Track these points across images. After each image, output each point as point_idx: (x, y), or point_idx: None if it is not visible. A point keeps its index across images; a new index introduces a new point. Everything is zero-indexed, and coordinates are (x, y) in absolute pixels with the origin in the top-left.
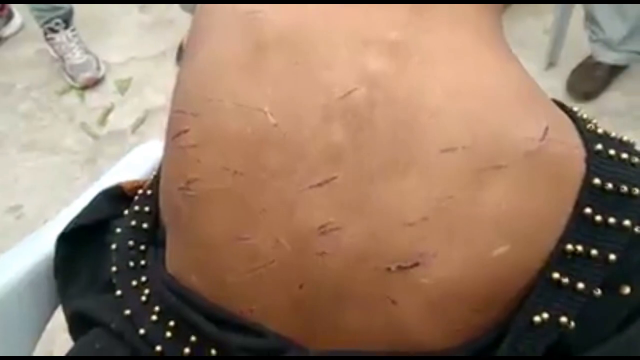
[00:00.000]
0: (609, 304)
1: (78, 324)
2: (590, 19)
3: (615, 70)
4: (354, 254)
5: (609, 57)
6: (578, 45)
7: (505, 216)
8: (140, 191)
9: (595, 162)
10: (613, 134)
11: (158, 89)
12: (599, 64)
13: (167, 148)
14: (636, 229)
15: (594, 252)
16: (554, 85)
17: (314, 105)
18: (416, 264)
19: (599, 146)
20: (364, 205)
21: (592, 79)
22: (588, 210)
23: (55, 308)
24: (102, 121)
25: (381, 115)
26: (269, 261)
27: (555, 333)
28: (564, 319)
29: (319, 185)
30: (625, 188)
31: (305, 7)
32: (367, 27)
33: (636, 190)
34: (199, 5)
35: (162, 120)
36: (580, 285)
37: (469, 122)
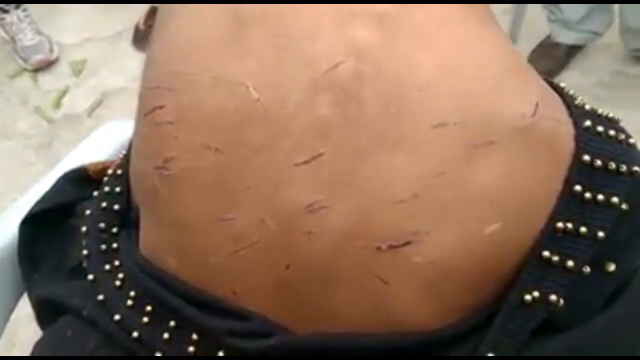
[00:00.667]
0: (595, 281)
1: (46, 312)
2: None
3: (573, 51)
4: (342, 233)
5: (567, 38)
6: (537, 25)
7: (497, 193)
8: (110, 171)
9: (585, 139)
10: (600, 111)
11: (115, 71)
12: (557, 44)
13: (140, 126)
14: (624, 206)
15: (583, 229)
16: None
17: (299, 79)
18: (408, 243)
19: (588, 123)
20: (353, 182)
21: (551, 58)
22: (578, 187)
23: (19, 298)
24: (57, 105)
25: (370, 89)
26: (253, 242)
27: (545, 312)
28: (553, 297)
29: (306, 162)
30: (613, 165)
31: None
32: None
33: (624, 167)
34: None
35: (120, 103)
36: (570, 264)
37: (460, 97)
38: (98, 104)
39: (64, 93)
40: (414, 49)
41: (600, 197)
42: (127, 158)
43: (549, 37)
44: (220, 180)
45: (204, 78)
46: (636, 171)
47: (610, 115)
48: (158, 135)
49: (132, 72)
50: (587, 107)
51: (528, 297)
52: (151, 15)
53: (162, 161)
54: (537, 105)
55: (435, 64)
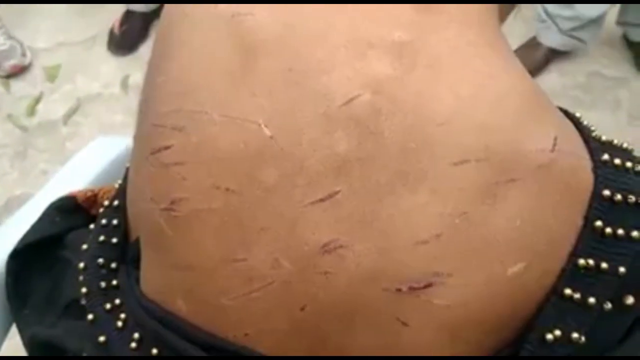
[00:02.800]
0: (614, 315)
1: (40, 352)
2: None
3: (554, 54)
4: (361, 274)
5: (554, 41)
6: (515, 29)
7: (519, 232)
8: (105, 202)
9: (603, 172)
10: (615, 141)
11: (91, 76)
12: (539, 45)
13: (142, 164)
14: None
15: (604, 265)
16: None
17: (313, 114)
18: (429, 285)
19: (606, 156)
20: (372, 221)
21: (531, 60)
22: (599, 223)
23: (5, 334)
24: (31, 111)
25: (387, 124)
26: (267, 282)
27: (567, 349)
28: (575, 335)
29: (321, 200)
30: (632, 198)
31: (299, 7)
32: (368, 27)
33: None
34: (164, 9)
35: (97, 109)
36: (592, 300)
37: (480, 132)
38: (74, 111)
39: (37, 99)
40: (432, 80)
41: (620, 231)
42: (123, 188)
43: (531, 38)
44: (232, 220)
45: (213, 116)
46: None
47: (625, 145)
48: (165, 176)
49: (108, 76)
50: (603, 137)
51: (549, 336)
52: (126, 18)
53: (169, 202)
54: (556, 139)
55: (453, 96)
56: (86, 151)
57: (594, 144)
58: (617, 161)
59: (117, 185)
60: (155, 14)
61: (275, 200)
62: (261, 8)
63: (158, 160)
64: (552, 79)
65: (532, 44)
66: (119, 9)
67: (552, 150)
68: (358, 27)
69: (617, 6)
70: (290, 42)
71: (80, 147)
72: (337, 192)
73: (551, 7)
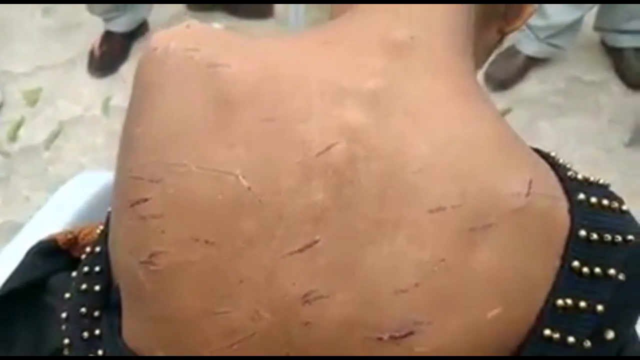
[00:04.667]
0: (594, 350)
1: None
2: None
3: (532, 61)
4: (342, 323)
5: (531, 49)
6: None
7: (497, 277)
8: (88, 248)
9: (579, 212)
10: (591, 179)
11: (71, 99)
12: (518, 52)
13: (122, 216)
14: (620, 277)
15: (582, 304)
16: None
17: (291, 163)
18: (410, 333)
19: (581, 195)
20: (351, 270)
21: (510, 67)
22: (576, 263)
23: None
24: (13, 137)
25: (364, 172)
26: (248, 334)
27: None
28: None
29: (300, 250)
30: (609, 237)
31: (274, 57)
32: (343, 75)
33: (618, 238)
34: (142, 57)
35: (78, 133)
36: (571, 339)
37: (455, 178)
38: (56, 135)
39: (19, 124)
40: (407, 127)
41: (597, 270)
42: (105, 234)
43: (510, 47)
44: (211, 273)
45: (191, 168)
46: (630, 240)
47: (601, 181)
48: (143, 228)
49: (89, 99)
50: (579, 176)
51: None
52: (105, 39)
53: (148, 255)
54: (531, 182)
55: (428, 143)
56: (67, 188)
57: (569, 184)
58: (593, 200)
59: (98, 230)
60: (135, 35)
61: (254, 251)
62: (238, 59)
63: (136, 212)
64: (532, 85)
65: (511, 52)
66: (98, 30)
67: (527, 194)
68: (334, 75)
69: (594, 11)
70: (266, 93)
71: (63, 172)
72: (316, 242)
73: None
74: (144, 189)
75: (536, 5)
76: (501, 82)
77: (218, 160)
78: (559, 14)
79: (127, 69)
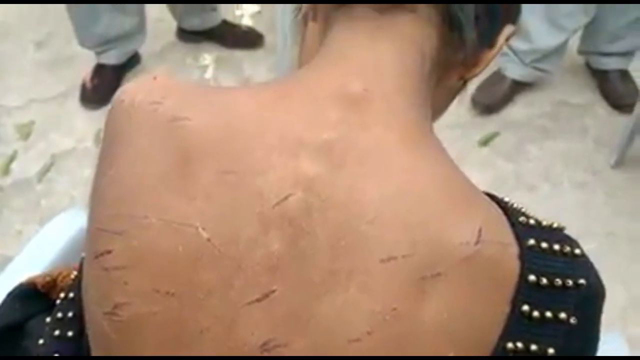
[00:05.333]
0: None
1: None
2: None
3: (519, 86)
4: None
5: (517, 73)
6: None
7: (448, 324)
8: (62, 294)
9: (529, 257)
10: (544, 222)
11: (64, 132)
12: (504, 77)
13: (88, 267)
14: (572, 320)
15: (533, 347)
16: (459, 103)
17: (249, 214)
18: None
19: (532, 241)
20: (307, 320)
21: (496, 92)
22: (525, 307)
23: None
24: (5, 170)
25: (319, 222)
26: None
27: None
28: None
29: (258, 300)
30: (559, 281)
31: (235, 111)
32: (300, 127)
33: (569, 282)
34: (111, 108)
35: (71, 165)
36: None
37: (406, 227)
38: (48, 168)
39: (11, 158)
40: (360, 177)
41: (548, 314)
42: (79, 279)
43: (496, 71)
44: (173, 323)
45: (152, 220)
46: (582, 284)
47: (555, 225)
48: (107, 280)
49: (81, 131)
50: (532, 220)
51: None
52: (97, 71)
53: (112, 306)
54: (480, 230)
55: (380, 192)
56: (50, 228)
57: (520, 229)
58: (544, 245)
59: (73, 274)
60: (127, 66)
61: (214, 301)
62: (199, 112)
63: (101, 264)
64: (519, 109)
65: (497, 77)
66: (90, 63)
67: (477, 242)
68: (291, 127)
69: (579, 35)
70: (226, 145)
71: (55, 205)
72: (273, 291)
73: (511, 41)
74: (108, 241)
75: (495, 51)
76: (488, 107)
77: (178, 212)
78: (543, 38)
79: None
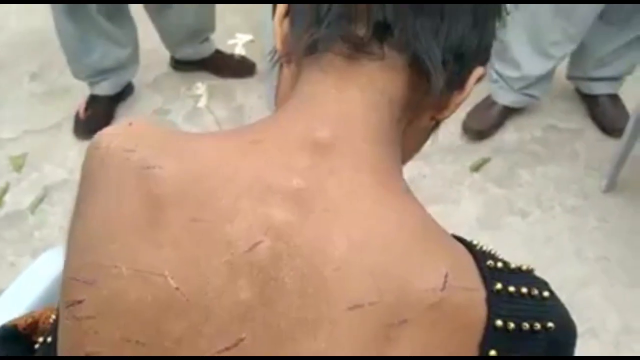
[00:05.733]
0: None
1: None
2: (506, 59)
3: (509, 111)
4: None
5: (507, 99)
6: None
7: None
8: (41, 339)
9: (496, 302)
10: (513, 265)
11: (57, 163)
12: (494, 103)
13: (62, 315)
14: None
15: None
16: (450, 129)
17: (218, 262)
18: None
19: (499, 285)
20: None
21: (487, 118)
22: (493, 352)
23: None
24: None
25: (287, 269)
26: None
27: None
28: None
29: (227, 348)
30: (527, 325)
31: (204, 158)
32: (270, 173)
33: (537, 326)
34: (86, 154)
35: (63, 196)
36: None
37: (373, 274)
38: (41, 199)
39: (4, 190)
40: (327, 225)
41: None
42: (56, 323)
43: (486, 97)
44: None
45: (122, 270)
46: (551, 327)
47: (524, 267)
48: (78, 329)
49: (74, 163)
50: (499, 264)
51: None
52: (90, 102)
53: (83, 355)
54: (446, 275)
55: (347, 239)
56: (36, 265)
57: (488, 273)
58: (511, 288)
59: (52, 318)
60: (120, 96)
61: (183, 351)
62: (171, 160)
63: (72, 313)
64: (509, 134)
65: (487, 102)
66: (84, 94)
67: (443, 288)
68: (260, 174)
69: (568, 60)
70: (195, 193)
71: (48, 236)
72: (242, 339)
73: (500, 68)
74: (79, 290)
75: (465, 94)
76: (479, 133)
77: (147, 261)
78: (531, 66)
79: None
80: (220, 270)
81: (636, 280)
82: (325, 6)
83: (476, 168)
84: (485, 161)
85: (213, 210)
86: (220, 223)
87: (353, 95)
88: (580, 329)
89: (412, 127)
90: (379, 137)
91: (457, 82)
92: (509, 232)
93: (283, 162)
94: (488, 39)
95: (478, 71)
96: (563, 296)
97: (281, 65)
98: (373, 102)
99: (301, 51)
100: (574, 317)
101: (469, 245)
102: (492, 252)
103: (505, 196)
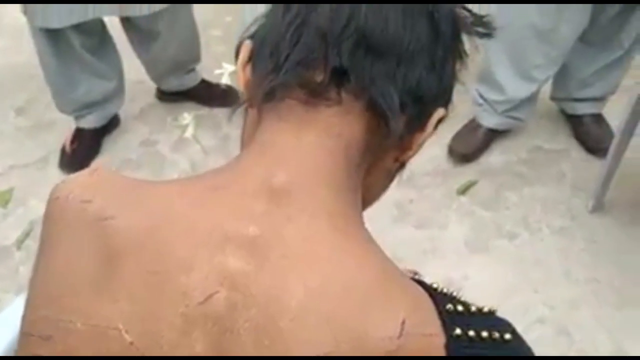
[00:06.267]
0: None
1: None
2: (490, 82)
3: (494, 134)
4: None
5: (491, 122)
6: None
7: None
8: None
9: (455, 347)
10: (473, 308)
11: (43, 198)
12: (479, 126)
13: None
14: None
15: None
16: (436, 152)
17: (173, 315)
18: None
19: (458, 330)
20: None
21: (472, 141)
22: None
23: None
24: None
25: (242, 320)
26: None
27: None
28: None
29: None
30: None
31: (162, 207)
32: (227, 221)
33: None
34: (47, 204)
35: None
36: None
37: (329, 323)
38: (27, 235)
39: None
40: (284, 273)
41: None
42: None
43: (471, 120)
44: None
45: (77, 325)
46: None
47: (485, 309)
48: None
49: None
50: (460, 307)
51: None
52: (76, 136)
53: None
54: (404, 322)
55: (304, 288)
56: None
57: (448, 317)
58: (471, 333)
59: None
60: (106, 129)
61: None
62: (128, 210)
63: None
64: (495, 157)
65: (472, 125)
66: (69, 128)
67: (400, 336)
68: (218, 222)
69: (551, 81)
70: (151, 245)
71: None
72: None
73: (484, 92)
74: (35, 345)
75: (426, 135)
76: (464, 156)
77: (103, 315)
78: (514, 89)
79: (99, 164)
80: (175, 322)
81: (625, 301)
82: (284, 53)
83: (463, 191)
84: (471, 184)
85: (169, 262)
86: (176, 274)
87: (310, 141)
88: (571, 351)
89: (375, 169)
90: (337, 182)
91: (417, 124)
92: (498, 255)
93: (240, 209)
94: (448, 81)
95: (439, 112)
96: (554, 318)
97: (246, 109)
98: (330, 147)
99: (260, 98)
100: (566, 339)
101: (429, 289)
102: (454, 294)
103: (492, 219)
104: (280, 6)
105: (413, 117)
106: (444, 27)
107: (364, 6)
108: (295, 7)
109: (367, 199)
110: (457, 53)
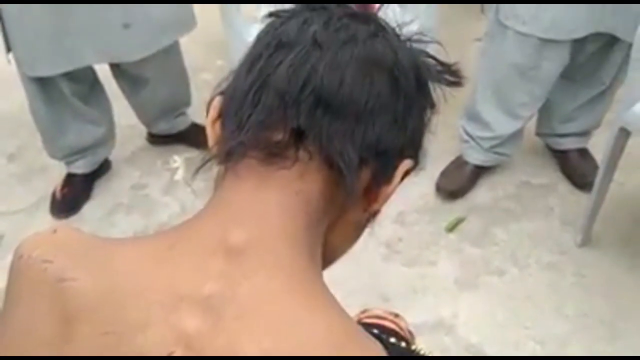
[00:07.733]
0: None
1: None
2: (476, 120)
3: (481, 170)
4: None
5: (478, 159)
6: (443, 146)
7: None
8: None
9: None
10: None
11: None
12: (466, 163)
13: None
14: None
15: None
16: (424, 190)
17: None
18: None
19: None
20: None
21: (459, 177)
22: None
23: None
24: None
25: None
26: None
27: None
28: None
29: None
30: None
31: (120, 268)
32: (182, 281)
33: None
34: (11, 262)
35: None
36: None
37: None
38: None
39: None
40: (238, 332)
41: None
42: None
43: (458, 157)
44: None
45: None
46: None
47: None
48: None
49: None
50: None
51: None
52: (67, 181)
53: None
54: None
55: (258, 347)
56: None
57: None
58: None
59: None
60: (97, 173)
61: None
62: (86, 272)
63: None
64: (482, 193)
65: (459, 162)
66: (60, 173)
67: None
68: (174, 281)
69: (536, 117)
70: (107, 306)
71: None
72: None
73: (470, 129)
74: None
75: (392, 187)
76: (452, 193)
77: None
78: (500, 126)
79: (89, 208)
80: None
81: (616, 335)
82: (246, 113)
83: (451, 228)
84: (460, 221)
85: (125, 322)
86: (131, 334)
87: (268, 198)
88: None
89: (342, 222)
90: (295, 239)
91: (383, 177)
92: (487, 291)
93: (197, 267)
94: (413, 133)
95: (405, 164)
96: (545, 354)
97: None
98: (288, 204)
99: (222, 156)
100: None
101: (387, 345)
102: (416, 350)
103: (481, 255)
104: (244, 65)
105: (378, 171)
106: (404, 82)
107: (321, 66)
108: (257, 67)
109: (336, 251)
110: (423, 104)
